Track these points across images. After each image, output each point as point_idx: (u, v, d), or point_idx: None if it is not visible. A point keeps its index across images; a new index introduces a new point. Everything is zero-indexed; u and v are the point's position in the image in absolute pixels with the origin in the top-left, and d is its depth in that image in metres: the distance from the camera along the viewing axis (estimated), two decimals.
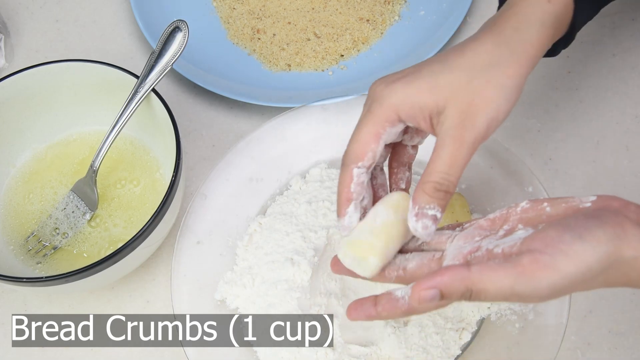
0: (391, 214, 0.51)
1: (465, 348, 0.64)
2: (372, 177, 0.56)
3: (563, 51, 0.83)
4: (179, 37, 0.67)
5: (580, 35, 0.83)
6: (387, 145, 0.54)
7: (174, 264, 0.66)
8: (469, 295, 0.44)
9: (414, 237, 0.53)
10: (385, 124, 0.51)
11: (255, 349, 0.64)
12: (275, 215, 0.69)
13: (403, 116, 0.51)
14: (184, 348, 0.63)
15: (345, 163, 0.52)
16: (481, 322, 0.65)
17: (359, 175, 0.52)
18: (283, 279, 0.64)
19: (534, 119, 0.78)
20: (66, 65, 0.70)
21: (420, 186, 0.49)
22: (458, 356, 0.63)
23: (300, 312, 0.62)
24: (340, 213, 0.52)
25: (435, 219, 0.49)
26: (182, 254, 0.67)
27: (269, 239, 0.67)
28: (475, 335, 0.64)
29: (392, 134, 0.52)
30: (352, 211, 0.52)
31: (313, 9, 0.86)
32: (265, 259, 0.66)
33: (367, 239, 0.50)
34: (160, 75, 0.66)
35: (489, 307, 0.64)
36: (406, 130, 0.55)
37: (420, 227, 0.49)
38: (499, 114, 0.50)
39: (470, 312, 0.64)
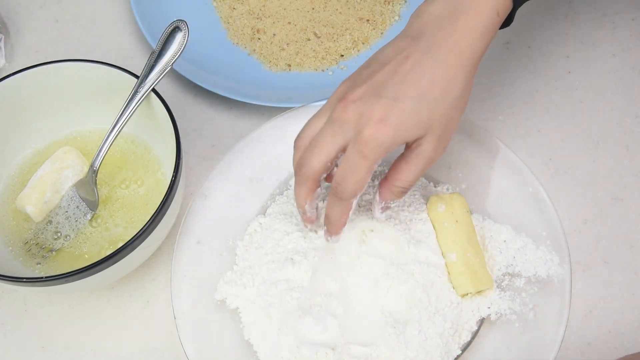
0: (48, 167, 0.67)
1: (465, 348, 0.64)
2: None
3: (563, 51, 0.83)
4: (179, 37, 0.67)
5: (580, 35, 0.83)
6: None
7: (174, 264, 0.66)
8: None
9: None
10: (378, 161, 0.57)
11: (255, 349, 0.64)
12: (275, 215, 0.69)
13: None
14: (184, 348, 0.63)
15: (343, 198, 0.58)
16: (481, 322, 0.65)
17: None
18: (283, 278, 0.64)
19: (534, 119, 0.78)
20: (66, 65, 0.69)
21: (389, 187, 0.59)
22: (458, 356, 0.63)
23: (300, 312, 0.62)
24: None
25: (391, 206, 0.62)
26: (182, 254, 0.67)
27: (269, 238, 0.67)
28: (475, 335, 0.64)
29: None
30: None
31: (313, 9, 0.86)
32: (265, 259, 0.66)
33: (26, 192, 0.67)
34: (160, 75, 0.66)
35: (488, 307, 0.64)
36: None
37: (384, 217, 0.63)
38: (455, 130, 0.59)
39: (470, 312, 0.64)
